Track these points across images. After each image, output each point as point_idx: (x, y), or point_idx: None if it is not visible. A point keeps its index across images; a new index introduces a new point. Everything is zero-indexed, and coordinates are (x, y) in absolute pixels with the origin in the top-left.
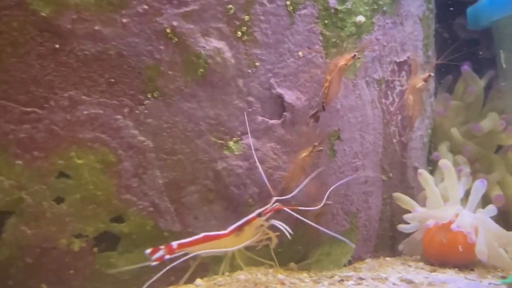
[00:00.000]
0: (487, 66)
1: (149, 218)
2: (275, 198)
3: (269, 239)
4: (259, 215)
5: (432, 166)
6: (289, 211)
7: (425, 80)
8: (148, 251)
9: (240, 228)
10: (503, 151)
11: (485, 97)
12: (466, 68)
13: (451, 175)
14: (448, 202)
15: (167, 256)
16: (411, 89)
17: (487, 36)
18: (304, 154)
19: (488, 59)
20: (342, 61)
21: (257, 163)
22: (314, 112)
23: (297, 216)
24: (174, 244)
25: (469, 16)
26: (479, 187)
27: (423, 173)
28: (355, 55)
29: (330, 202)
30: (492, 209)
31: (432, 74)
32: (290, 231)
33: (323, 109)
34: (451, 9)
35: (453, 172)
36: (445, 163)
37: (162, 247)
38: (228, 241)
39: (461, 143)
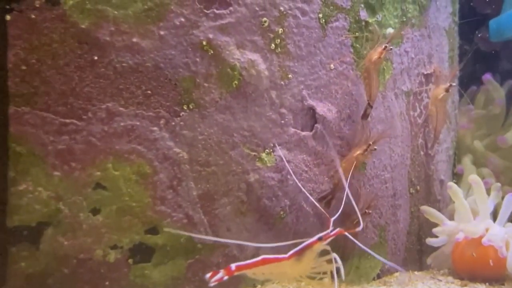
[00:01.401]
0: (508, 78)
1: (183, 230)
2: (332, 220)
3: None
4: (320, 239)
5: (457, 179)
6: (350, 236)
7: (447, 90)
8: (208, 275)
9: (300, 253)
10: None
11: (508, 109)
12: (488, 76)
13: (481, 190)
14: (477, 216)
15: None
16: (433, 100)
17: (509, 48)
18: (358, 152)
19: (509, 71)
20: (375, 55)
21: (297, 183)
22: (364, 110)
23: (355, 241)
24: (233, 266)
25: (492, 28)
26: (510, 201)
27: (453, 186)
28: (386, 46)
29: (370, 211)
30: None
31: (454, 84)
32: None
33: (370, 106)
34: (472, 21)
35: (482, 187)
36: (475, 178)
37: (221, 270)
38: (287, 265)
39: (485, 156)
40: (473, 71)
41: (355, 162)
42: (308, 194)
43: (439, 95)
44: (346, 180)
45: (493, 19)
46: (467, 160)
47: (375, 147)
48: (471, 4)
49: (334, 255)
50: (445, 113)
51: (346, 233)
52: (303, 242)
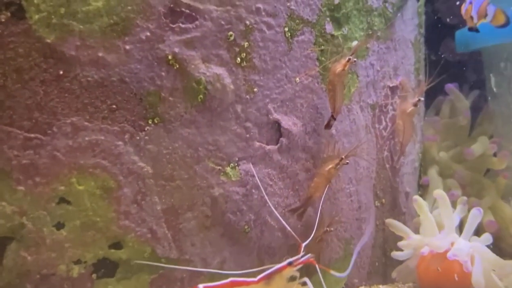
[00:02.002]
0: (475, 88)
1: (147, 245)
2: (304, 245)
3: None
4: (290, 264)
5: (422, 190)
6: (318, 267)
7: (415, 105)
8: None
9: (270, 277)
10: (492, 174)
11: (473, 120)
12: (450, 86)
13: (446, 204)
14: (442, 230)
15: None
16: (401, 114)
17: (476, 58)
18: (330, 166)
19: (477, 81)
20: (339, 68)
21: (268, 201)
22: (327, 121)
23: (324, 268)
24: (201, 286)
25: (458, 40)
26: (475, 215)
27: (418, 199)
28: (349, 58)
29: (332, 229)
30: (488, 237)
31: (422, 99)
32: None
33: (334, 118)
34: (439, 31)
35: (447, 201)
36: (440, 193)
37: None
38: None
39: (451, 168)
40: (440, 81)
41: (328, 177)
42: (279, 216)
43: (407, 109)
44: (322, 195)
45: (459, 30)
46: (433, 172)
47: (347, 161)
48: (438, 15)
49: (306, 279)
50: (412, 127)
51: (318, 266)
52: (272, 267)
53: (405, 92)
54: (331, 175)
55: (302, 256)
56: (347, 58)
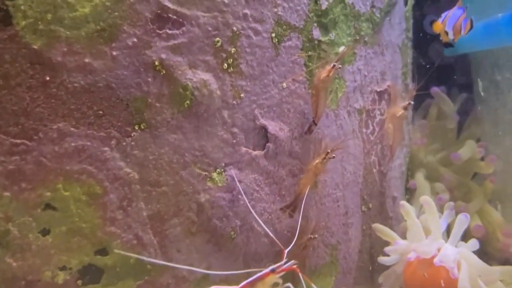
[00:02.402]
0: (464, 91)
1: (133, 251)
2: (286, 251)
3: None
4: (273, 271)
5: (409, 194)
6: (302, 277)
7: (405, 109)
8: None
9: (252, 284)
10: (480, 178)
11: (462, 123)
12: (435, 89)
13: (432, 210)
14: (429, 235)
15: None
16: (391, 118)
17: (464, 62)
18: (316, 161)
19: (464, 84)
20: (324, 74)
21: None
22: (308, 126)
23: (307, 279)
24: None
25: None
26: (462, 221)
27: (405, 205)
28: (334, 65)
29: (317, 236)
30: (474, 243)
31: (412, 103)
32: None
33: (315, 123)
34: (427, 35)
35: (433, 207)
36: (426, 199)
37: None
38: None
39: (439, 172)
40: (428, 84)
41: (316, 172)
42: (262, 224)
43: (397, 113)
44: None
45: None
46: (420, 175)
47: (333, 156)
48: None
49: (289, 285)
50: (401, 131)
51: (301, 275)
52: (256, 272)
53: (394, 96)
54: (318, 170)
55: (285, 263)
56: (332, 65)
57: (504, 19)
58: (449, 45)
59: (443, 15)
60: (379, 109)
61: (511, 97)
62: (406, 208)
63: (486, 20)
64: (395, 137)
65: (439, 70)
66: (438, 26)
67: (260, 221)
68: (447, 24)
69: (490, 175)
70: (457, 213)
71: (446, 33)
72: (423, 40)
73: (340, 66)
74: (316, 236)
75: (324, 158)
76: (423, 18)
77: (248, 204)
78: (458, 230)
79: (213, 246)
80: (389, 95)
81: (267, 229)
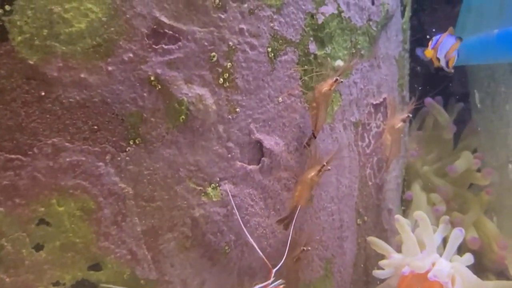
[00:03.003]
0: (461, 102)
1: (127, 266)
2: (274, 271)
3: None
4: None
5: (405, 205)
6: None
7: (404, 121)
8: None
9: None
10: (476, 188)
11: (459, 132)
12: (429, 100)
13: (426, 226)
14: (424, 249)
15: None
16: (389, 130)
17: (461, 72)
18: (312, 174)
19: (462, 94)
20: (325, 87)
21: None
22: (307, 139)
23: None
24: None
25: None
26: (457, 235)
27: (400, 219)
28: (337, 79)
29: (309, 248)
30: (469, 258)
31: (410, 115)
32: None
33: (314, 136)
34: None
35: (427, 223)
36: (420, 214)
37: None
38: None
39: (435, 183)
40: (424, 93)
41: (311, 184)
42: (251, 241)
43: (396, 125)
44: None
45: None
46: (416, 187)
47: (329, 168)
48: (424, 27)
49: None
50: (400, 143)
51: None
52: None
53: (392, 108)
54: (314, 182)
55: (272, 282)
56: (334, 79)
57: (499, 36)
58: (441, 69)
59: (434, 39)
60: (375, 121)
61: (506, 111)
62: (401, 222)
63: (482, 34)
64: (392, 149)
65: (437, 80)
66: (429, 52)
67: (249, 237)
68: (438, 50)
69: (486, 187)
70: (453, 225)
71: (438, 59)
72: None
73: (342, 80)
74: (309, 248)
75: (320, 170)
76: (421, 28)
77: (240, 221)
78: (452, 245)
79: (207, 260)
80: (385, 107)
81: (255, 245)
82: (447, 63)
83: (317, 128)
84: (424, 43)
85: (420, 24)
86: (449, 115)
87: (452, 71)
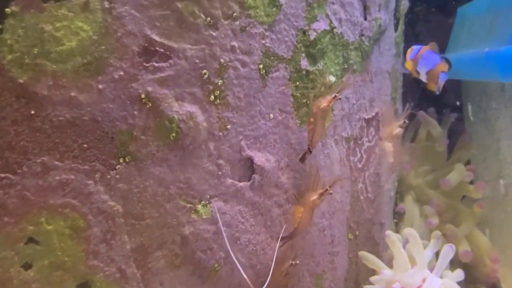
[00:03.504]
0: (455, 112)
1: (115, 284)
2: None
3: None
4: None
5: (398, 218)
6: None
7: (401, 126)
8: None
9: None
10: (469, 200)
11: (453, 143)
12: (422, 113)
13: (416, 242)
14: (415, 265)
15: None
16: (388, 137)
17: (455, 83)
18: (314, 197)
19: (455, 106)
20: (324, 103)
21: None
22: (302, 154)
23: None
24: None
25: None
26: (447, 252)
27: (391, 234)
28: (335, 96)
29: (297, 262)
30: (459, 274)
31: (407, 122)
32: None
33: (310, 151)
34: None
35: (417, 239)
36: (410, 232)
37: None
38: None
39: (427, 195)
40: (418, 105)
41: (313, 207)
42: (236, 261)
43: (393, 131)
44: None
45: None
46: (409, 199)
47: (331, 192)
48: (419, 38)
49: None
50: (399, 148)
51: None
52: None
53: (389, 116)
54: (315, 205)
55: None
56: (333, 95)
57: (488, 55)
58: (417, 79)
59: (413, 50)
60: (367, 136)
61: (498, 126)
62: (392, 238)
63: (472, 51)
64: (395, 155)
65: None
66: (408, 64)
67: (234, 258)
68: (419, 63)
69: (479, 200)
70: (446, 237)
71: (418, 72)
72: None
73: (340, 97)
74: (297, 262)
75: (322, 194)
76: (416, 39)
77: (225, 240)
78: (443, 261)
79: (197, 278)
80: (377, 121)
81: (239, 266)
82: (428, 78)
83: (313, 143)
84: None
85: (415, 35)
86: (443, 125)
87: (437, 92)
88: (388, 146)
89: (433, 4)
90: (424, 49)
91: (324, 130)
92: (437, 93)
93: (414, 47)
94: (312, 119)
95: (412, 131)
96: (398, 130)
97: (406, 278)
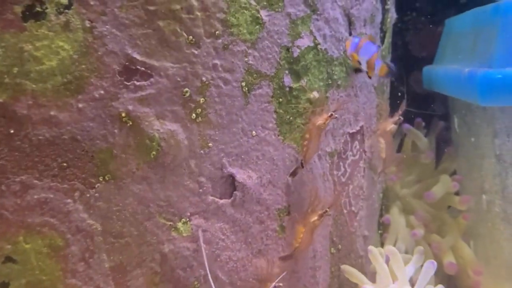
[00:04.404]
0: (444, 121)
1: None
2: None
3: None
4: None
5: (383, 229)
6: None
7: (395, 123)
8: None
9: None
10: (455, 211)
11: (440, 152)
12: (407, 126)
13: (397, 259)
14: (396, 281)
15: None
16: (381, 133)
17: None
18: (314, 219)
19: (443, 115)
20: (320, 121)
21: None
22: (293, 169)
23: None
24: None
25: (425, 76)
26: (429, 268)
27: (372, 250)
28: (332, 114)
29: (280, 284)
30: None
31: (402, 118)
32: None
33: (302, 166)
34: (408, 64)
35: (398, 257)
36: (390, 249)
37: None
38: None
39: (413, 206)
40: (408, 113)
41: (313, 228)
42: (211, 281)
43: (387, 127)
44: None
45: (427, 67)
46: (395, 210)
47: (330, 213)
48: (408, 47)
49: None
50: (392, 144)
51: None
52: None
53: (384, 112)
54: (315, 226)
55: None
56: (329, 114)
57: (469, 76)
58: (358, 70)
59: (352, 43)
60: (351, 150)
61: (480, 142)
62: (374, 253)
63: (456, 67)
64: (387, 151)
65: (420, 100)
66: (353, 56)
67: (210, 278)
68: (360, 53)
69: (463, 212)
70: (431, 248)
71: (359, 62)
72: (404, 68)
73: (336, 116)
74: (281, 284)
75: (322, 215)
76: (405, 48)
77: (205, 257)
78: (424, 278)
79: None
80: (362, 135)
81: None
82: (368, 66)
83: (306, 159)
84: (407, 64)
85: (404, 44)
86: (431, 133)
87: (371, 75)
88: (381, 142)
89: (422, 13)
90: (363, 40)
91: (318, 147)
92: (377, 75)
93: (353, 39)
94: (307, 135)
95: (398, 140)
96: (392, 127)
97: None
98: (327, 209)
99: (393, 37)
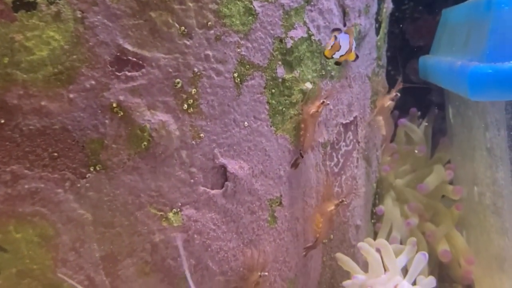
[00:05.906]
0: (440, 110)
1: None
2: None
3: None
4: None
5: (376, 219)
6: None
7: (393, 99)
8: None
9: None
10: (449, 200)
11: (436, 141)
12: (402, 121)
13: (388, 252)
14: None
15: None
16: (380, 109)
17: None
18: (331, 208)
19: (439, 104)
20: (313, 109)
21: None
22: (294, 160)
23: None
24: None
25: (421, 65)
26: (420, 260)
27: (363, 246)
28: (324, 101)
29: (266, 273)
30: (431, 281)
31: (399, 94)
32: None
33: (301, 156)
34: (405, 52)
35: (389, 249)
36: (381, 242)
37: None
38: None
39: (407, 196)
40: (404, 102)
41: (330, 218)
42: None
43: (385, 104)
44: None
45: (423, 57)
46: (389, 200)
47: (346, 202)
48: (405, 36)
49: None
50: (390, 120)
51: None
52: None
53: (384, 90)
54: (333, 215)
55: None
56: (321, 101)
57: (460, 69)
58: (329, 58)
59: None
60: (345, 141)
61: (473, 135)
62: (365, 248)
63: (450, 59)
64: (386, 128)
65: (416, 90)
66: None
67: (190, 280)
68: (341, 45)
69: (457, 202)
70: (425, 237)
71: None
72: (401, 57)
73: (328, 103)
74: (266, 273)
75: (338, 205)
76: (403, 37)
77: (184, 258)
78: (415, 269)
79: (167, 285)
80: (356, 125)
81: (189, 277)
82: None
83: (305, 148)
84: (404, 54)
85: (401, 33)
86: (428, 123)
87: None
88: (379, 119)
89: (420, 2)
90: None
91: (314, 135)
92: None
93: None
94: (302, 125)
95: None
96: (390, 103)
97: (378, 284)
98: (343, 199)
99: (390, 26)
